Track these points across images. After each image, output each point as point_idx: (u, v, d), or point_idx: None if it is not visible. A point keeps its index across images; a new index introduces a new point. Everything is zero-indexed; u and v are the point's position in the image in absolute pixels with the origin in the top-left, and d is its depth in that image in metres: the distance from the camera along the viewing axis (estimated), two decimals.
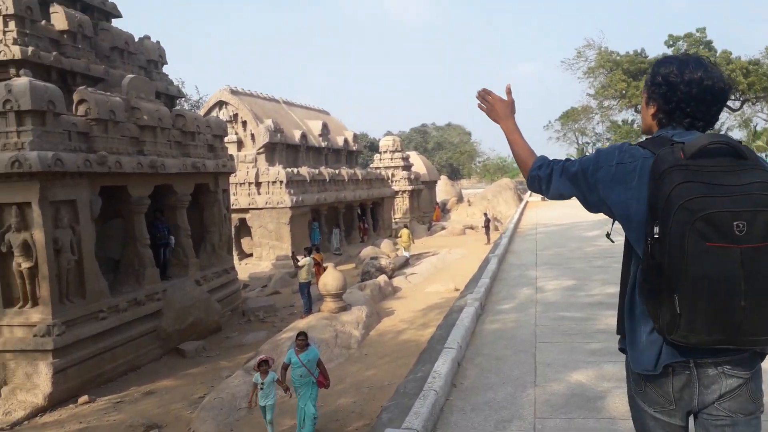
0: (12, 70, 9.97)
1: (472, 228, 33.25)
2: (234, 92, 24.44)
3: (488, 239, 24.91)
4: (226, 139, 24.21)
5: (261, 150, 23.47)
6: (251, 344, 12.25)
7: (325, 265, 21.48)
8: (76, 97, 10.44)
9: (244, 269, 22.08)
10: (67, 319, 9.20)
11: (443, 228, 33.51)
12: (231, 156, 15.81)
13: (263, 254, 22.43)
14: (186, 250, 13.35)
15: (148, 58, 14.66)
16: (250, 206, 22.42)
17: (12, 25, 10.23)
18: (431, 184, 45.10)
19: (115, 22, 14.19)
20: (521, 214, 30.02)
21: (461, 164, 78.82)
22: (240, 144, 24.06)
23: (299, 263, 12.54)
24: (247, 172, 22.91)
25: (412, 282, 17.22)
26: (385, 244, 25.19)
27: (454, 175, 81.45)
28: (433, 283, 16.49)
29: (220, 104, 24.43)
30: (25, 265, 8.98)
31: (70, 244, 9.46)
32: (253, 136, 23.62)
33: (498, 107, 2.38)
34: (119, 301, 10.57)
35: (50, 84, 9.46)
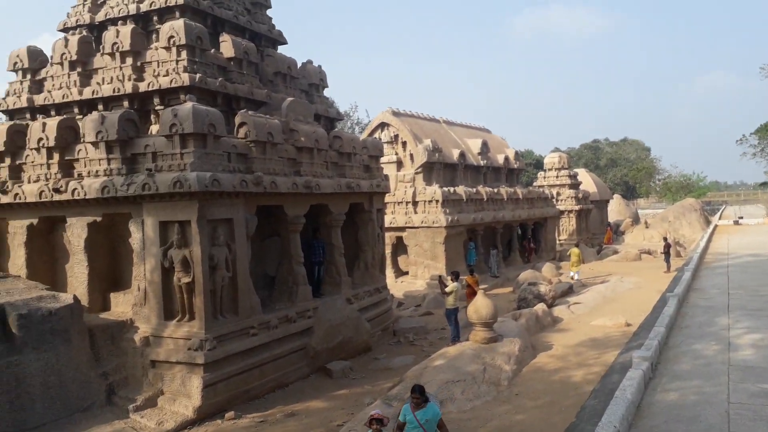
0: (182, 96, 10.71)
1: (649, 253, 30.07)
2: (395, 113, 24.71)
3: (668, 267, 22.18)
4: (385, 159, 24.67)
5: (419, 169, 23.37)
6: (398, 368, 11.85)
7: (480, 287, 20.66)
8: (237, 120, 10.94)
9: (399, 287, 22.03)
10: (219, 334, 9.52)
11: (615, 252, 30.73)
12: (386, 176, 15.74)
13: (419, 273, 22.17)
14: (339, 269, 13.41)
15: (310, 82, 15.15)
16: (407, 225, 22.34)
17: (184, 54, 11.02)
18: (602, 204, 41.95)
19: (282, 49, 14.91)
20: (709, 240, 26.46)
21: (638, 182, 72.73)
22: (399, 164, 24.21)
23: (446, 288, 11.90)
24: (405, 191, 22.91)
25: (576, 313, 15.70)
26: (547, 268, 23.58)
27: (630, 194, 75.43)
28: (600, 316, 14.87)
29: (382, 125, 24.85)
30: (184, 280, 9.46)
31: (225, 260, 9.82)
32: (412, 156, 23.62)
33: None
34: (270, 318, 10.78)
35: (212, 108, 9.97)
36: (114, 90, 11.38)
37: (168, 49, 11.18)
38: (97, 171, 10.17)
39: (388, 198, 23.21)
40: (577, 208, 34.78)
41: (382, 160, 24.61)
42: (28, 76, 12.66)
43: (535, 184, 37.66)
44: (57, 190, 10.22)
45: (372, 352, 13.30)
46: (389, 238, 22.89)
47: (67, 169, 10.60)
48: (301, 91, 14.71)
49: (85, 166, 10.34)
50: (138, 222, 9.87)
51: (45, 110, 12.31)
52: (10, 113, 12.61)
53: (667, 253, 22.74)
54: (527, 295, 16.40)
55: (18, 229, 11.02)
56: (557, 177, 36.45)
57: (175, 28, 11.06)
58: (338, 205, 13.32)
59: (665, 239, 24.33)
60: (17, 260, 11.04)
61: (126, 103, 11.42)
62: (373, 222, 14.92)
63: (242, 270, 10.20)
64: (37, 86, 12.55)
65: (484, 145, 27.48)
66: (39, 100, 12.22)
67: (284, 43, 15.04)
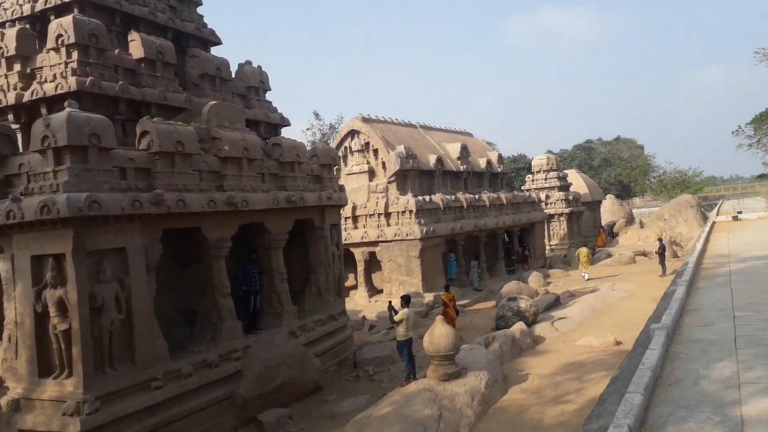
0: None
1: (644, 255, 28.37)
2: (366, 120, 23.03)
3: (663, 270, 20.45)
4: (357, 169, 22.98)
5: (392, 178, 21.66)
6: (346, 413, 10.05)
7: (457, 303, 18.86)
8: (138, 129, 9.22)
9: (373, 307, 20.23)
10: (105, 392, 7.74)
11: (608, 255, 29.00)
12: (341, 186, 14.00)
13: (393, 290, 20.36)
14: (281, 297, 11.64)
15: (248, 85, 13.46)
16: (380, 239, 20.58)
17: (74, 55, 9.33)
18: (594, 205, 40.26)
19: (221, 51, 13.22)
20: (706, 240, 24.67)
21: (633, 181, 71.02)
22: (372, 173, 22.51)
23: (396, 317, 10.12)
24: (377, 202, 21.18)
25: (560, 330, 13.92)
26: (534, 278, 21.81)
27: (625, 193, 73.69)
28: (587, 332, 13.11)
29: (352, 133, 23.19)
30: (61, 327, 7.70)
31: (116, 300, 8.06)
32: (384, 164, 21.91)
33: None
34: (182, 365, 8.99)
35: (96, 115, 8.24)
36: None
37: (57, 50, 9.47)
38: None
39: (359, 211, 21.52)
40: (567, 210, 33.04)
41: (353, 170, 23.05)
42: None
43: (523, 188, 35.96)
44: None
45: (322, 393, 11.48)
46: (361, 254, 21.16)
47: None
48: (238, 95, 13.01)
49: None
50: (7, 257, 8.12)
51: None
52: None
53: (662, 254, 20.99)
54: (506, 313, 14.62)
55: None
56: (546, 179, 34.75)
57: (63, 25, 9.35)
58: (278, 222, 11.57)
59: (660, 240, 22.57)
60: None
61: (11, 116, 9.71)
62: (325, 239, 13.15)
63: (140, 309, 8.43)
64: None
65: (464, 149, 25.79)
66: None
67: (217, 43, 13.34)
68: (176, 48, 12.26)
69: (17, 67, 9.75)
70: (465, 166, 25.27)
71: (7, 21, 10.82)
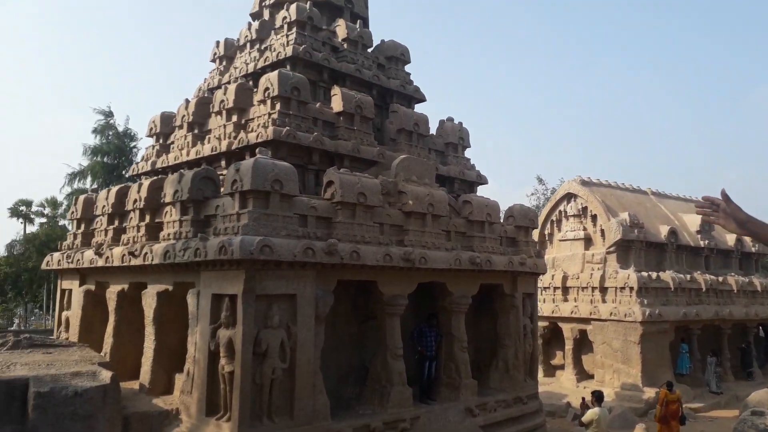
0: (269, 153, 9.39)
1: None
2: (584, 183, 21.17)
3: None
4: (571, 236, 21.07)
5: (611, 248, 19.28)
6: None
7: (688, 408, 15.61)
8: (324, 179, 9.27)
9: (580, 393, 17.73)
10: None
11: None
12: (539, 252, 12.66)
13: (606, 378, 17.74)
14: (459, 367, 10.60)
15: (447, 141, 13.11)
16: (592, 316, 18.25)
17: (277, 106, 9.85)
18: None
19: (424, 108, 13.24)
20: None
21: None
22: (588, 241, 20.39)
23: (584, 417, 8.34)
24: (592, 274, 18.97)
25: None
26: None
27: None
28: None
29: (568, 197, 21.44)
30: (228, 368, 7.73)
31: (281, 347, 7.90)
32: (603, 232, 19.71)
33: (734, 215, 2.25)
34: (342, 427, 8.45)
35: (282, 162, 8.42)
36: (212, 149, 10.64)
37: (264, 102, 10.15)
38: (170, 234, 9.21)
39: (571, 282, 19.52)
40: None
41: (567, 236, 21.18)
42: (161, 141, 12.76)
43: None
44: (133, 254, 9.48)
45: None
46: (570, 330, 18.99)
47: (155, 231, 9.87)
48: (433, 151, 12.70)
49: (166, 229, 9.48)
50: (194, 293, 8.55)
51: (165, 173, 12.11)
52: (141, 178, 12.72)
53: None
54: (747, 430, 11.44)
55: (111, 294, 10.54)
56: None
57: (270, 79, 10.01)
58: (460, 285, 10.68)
59: None
60: (109, 327, 10.51)
61: (224, 163, 10.59)
62: (516, 309, 11.83)
63: (305, 360, 8.14)
64: (165, 150, 12.52)
65: (706, 221, 22.13)
66: (159, 163, 12.10)
67: (422, 100, 13.33)
68: (381, 104, 12.53)
69: (234, 118, 10.66)
70: (707, 242, 21.55)
71: (238, 78, 12.08)
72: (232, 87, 10.78)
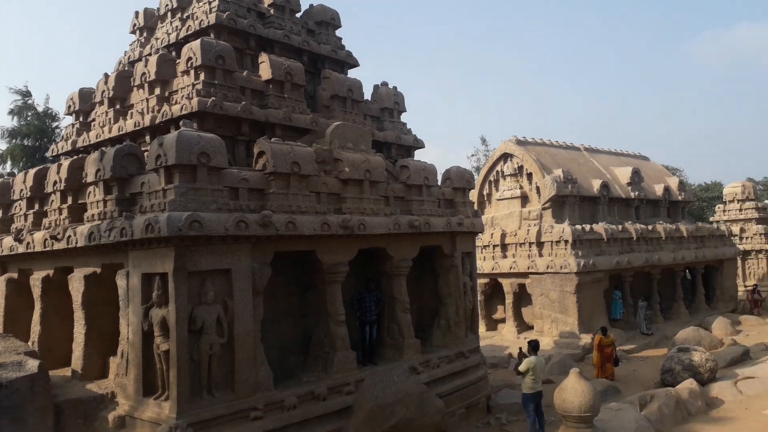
0: (196, 126, 9.09)
1: None
2: (520, 142, 21.58)
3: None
4: (508, 195, 21.54)
5: (547, 205, 19.88)
6: None
7: (622, 350, 16.45)
8: (255, 150, 9.07)
9: (521, 344, 18.22)
10: (199, 420, 7.43)
11: None
12: (476, 212, 12.87)
13: (545, 328, 18.47)
14: (402, 328, 10.78)
15: (382, 107, 13.03)
16: (530, 270, 18.86)
17: (201, 76, 9.51)
18: None
19: (357, 73, 13.04)
20: None
21: None
22: (525, 199, 20.93)
23: (520, 367, 8.69)
24: (528, 230, 19.52)
25: (744, 393, 11.25)
26: (719, 325, 18.55)
27: None
28: None
29: (505, 157, 21.85)
30: (163, 347, 7.59)
31: (217, 323, 7.80)
32: (538, 189, 20.22)
33: None
34: (285, 396, 8.48)
35: (207, 134, 8.18)
36: (135, 124, 10.22)
37: (187, 73, 9.77)
38: (95, 215, 8.85)
39: (509, 239, 20.04)
40: (767, 246, 28.05)
41: (504, 195, 21.64)
42: (81, 118, 12.15)
43: (712, 219, 31.39)
44: (55, 238, 9.08)
45: None
46: (510, 285, 19.60)
47: (78, 213, 9.45)
48: (369, 117, 12.60)
49: (90, 210, 9.10)
50: (124, 274, 8.29)
51: (87, 152, 11.57)
52: (62, 158, 12.11)
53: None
54: (674, 366, 12.23)
55: (36, 281, 10.11)
56: (740, 210, 30.02)
57: (193, 48, 9.62)
58: (401, 248, 10.78)
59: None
60: (35, 315, 10.10)
61: (148, 138, 10.19)
62: (456, 268, 12.07)
63: (244, 334, 8.08)
64: (86, 128, 11.94)
65: (636, 173, 23.05)
66: (80, 142, 11.55)
67: (355, 65, 13.14)
68: (312, 71, 12.28)
69: (157, 90, 10.24)
70: (636, 193, 22.49)
71: (159, 49, 11.56)
72: (154, 58, 10.32)
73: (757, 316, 21.96)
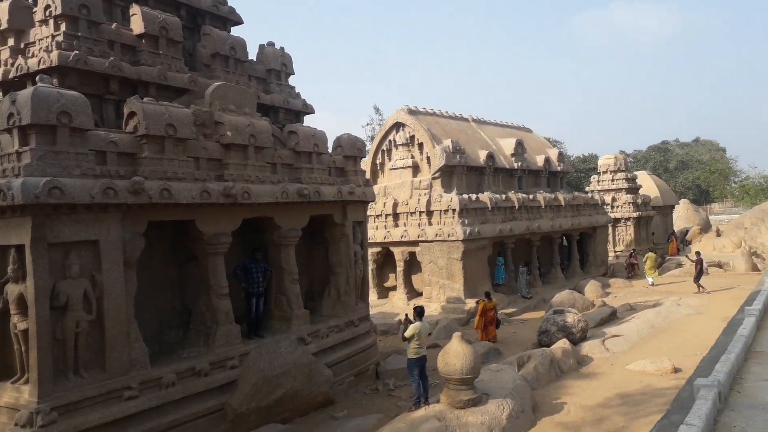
0: (56, 82, 8.19)
1: (719, 266, 25.61)
2: (412, 112, 21.73)
3: (698, 289, 18.57)
4: (400, 164, 21.73)
5: (436, 174, 20.25)
6: None
7: (504, 313, 17.28)
8: (125, 110, 8.34)
9: (411, 311, 18.93)
10: (65, 402, 6.87)
11: (679, 265, 26.46)
12: (367, 181, 12.80)
13: (433, 294, 19.01)
14: (290, 299, 10.57)
15: (268, 68, 12.48)
16: (420, 238, 19.25)
17: (62, 27, 8.56)
18: (666, 210, 37.30)
19: (241, 31, 12.33)
20: None
21: (712, 185, 66.16)
22: (416, 169, 21.20)
23: (406, 332, 8.85)
24: (419, 199, 19.85)
25: (611, 350, 12.21)
26: (591, 288, 19.93)
27: (703, 198, 68.79)
28: (642, 356, 11.39)
29: (397, 126, 21.93)
30: (20, 326, 6.89)
31: (84, 298, 7.18)
32: (429, 159, 20.53)
33: None
34: (163, 373, 8.04)
35: (69, 91, 7.40)
36: None
37: (45, 22, 8.75)
38: None
39: (401, 208, 20.28)
40: (635, 215, 30.57)
41: (396, 164, 21.81)
42: None
43: (588, 189, 33.65)
44: None
45: (333, 407, 10.36)
46: (401, 253, 19.91)
47: None
48: (254, 78, 12.04)
49: None
50: None
51: None
52: None
53: (699, 272, 18.91)
54: (549, 327, 13.01)
55: None
56: (612, 181, 32.35)
57: None
58: (289, 218, 10.50)
59: (697, 254, 19.90)
60: None
61: (1, 95, 9.08)
62: (347, 238, 11.99)
63: (114, 310, 7.52)
64: None
65: (519, 145, 24.04)
66: None
67: (239, 22, 12.42)
68: (191, 26, 11.48)
69: (10, 41, 9.13)
70: (520, 164, 23.51)
71: None
72: (5, 5, 9.15)
73: (625, 279, 23.91)
